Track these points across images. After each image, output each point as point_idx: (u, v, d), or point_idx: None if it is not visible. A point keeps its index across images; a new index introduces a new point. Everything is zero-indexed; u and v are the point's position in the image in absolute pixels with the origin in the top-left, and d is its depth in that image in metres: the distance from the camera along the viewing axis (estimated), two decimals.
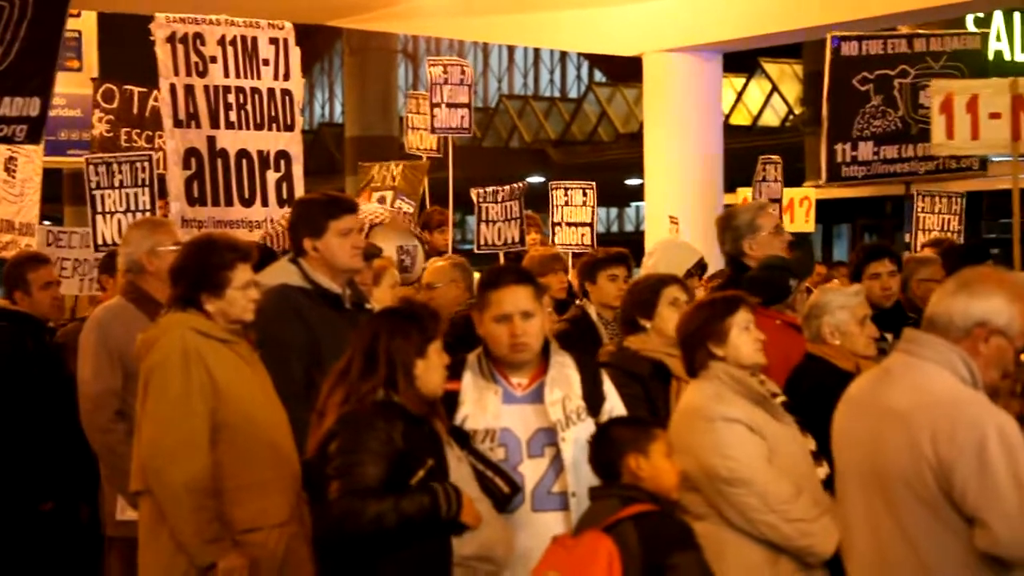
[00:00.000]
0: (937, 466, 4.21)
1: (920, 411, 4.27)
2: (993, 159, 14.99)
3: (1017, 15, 28.66)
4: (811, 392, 6.06)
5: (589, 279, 8.01)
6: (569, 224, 12.52)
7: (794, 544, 5.55)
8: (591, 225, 12.59)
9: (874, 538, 4.38)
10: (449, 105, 12.69)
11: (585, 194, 12.71)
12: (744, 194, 15.50)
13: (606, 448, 5.13)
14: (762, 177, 12.68)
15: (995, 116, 9.18)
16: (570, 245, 12.13)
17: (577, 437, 5.38)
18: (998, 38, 28.61)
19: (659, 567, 4.78)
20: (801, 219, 14.54)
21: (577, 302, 8.49)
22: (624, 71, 29.91)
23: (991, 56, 27.68)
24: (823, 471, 5.72)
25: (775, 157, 12.76)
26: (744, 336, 5.74)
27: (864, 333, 6.51)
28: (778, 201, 12.98)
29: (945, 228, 12.24)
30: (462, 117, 12.76)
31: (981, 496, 4.16)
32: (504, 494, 5.24)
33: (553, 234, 12.45)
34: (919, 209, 12.29)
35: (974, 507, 4.18)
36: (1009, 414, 4.36)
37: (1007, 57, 28.45)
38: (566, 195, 12.67)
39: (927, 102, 11.13)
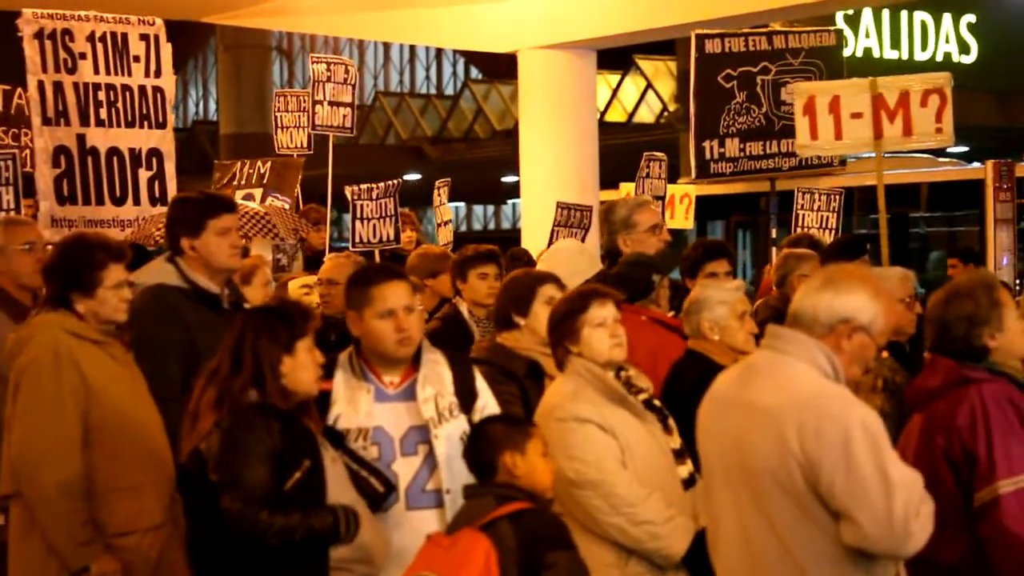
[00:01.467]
0: (804, 461, 4.24)
1: (786, 407, 4.29)
2: (852, 157, 15.23)
3: (886, 13, 29.15)
4: (691, 388, 6.08)
5: (460, 277, 8.00)
6: (448, 222, 12.55)
7: (643, 546, 5.52)
8: (450, 223, 12.64)
9: (741, 533, 4.40)
10: (331, 103, 12.63)
11: (439, 192, 12.77)
12: (628, 189, 15.59)
13: (482, 446, 5.12)
14: (646, 173, 12.77)
15: (857, 116, 9.28)
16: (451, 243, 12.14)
17: (450, 434, 5.38)
18: (867, 35, 29.10)
19: (536, 565, 4.78)
20: (681, 216, 14.63)
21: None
22: (500, 68, 30.00)
23: (860, 53, 28.20)
24: (686, 469, 5.70)
25: (659, 154, 12.86)
26: (598, 333, 5.70)
27: (743, 328, 6.49)
28: (661, 198, 13.08)
29: (823, 225, 12.40)
30: (344, 116, 12.70)
31: (847, 490, 4.20)
32: (379, 493, 5.24)
33: (439, 232, 12.47)
34: (799, 206, 12.43)
35: (840, 501, 4.22)
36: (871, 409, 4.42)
37: (876, 54, 28.94)
38: (439, 195, 12.70)
39: (788, 99, 11.27)
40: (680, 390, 6.13)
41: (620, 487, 5.51)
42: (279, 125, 13.49)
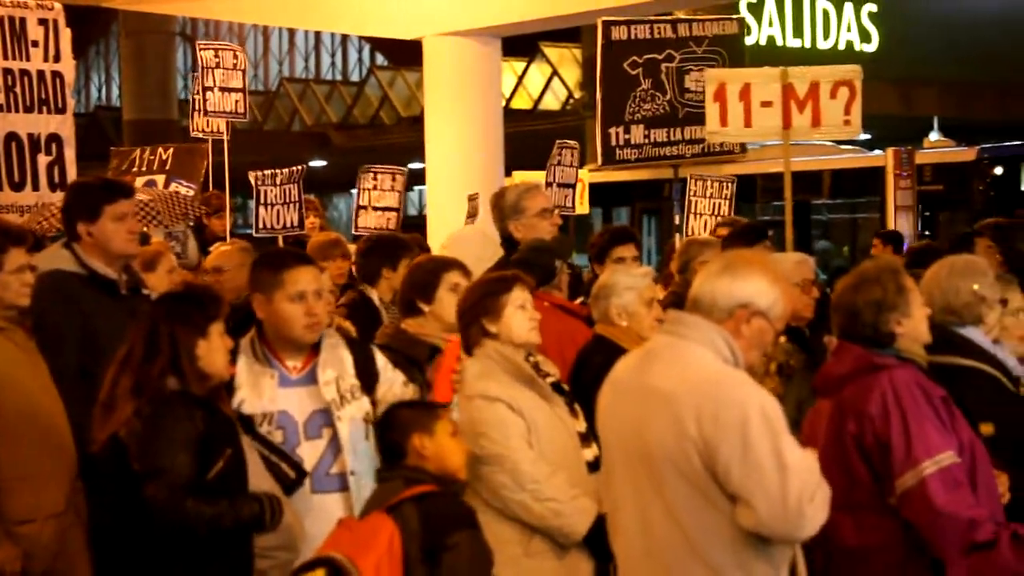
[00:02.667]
0: (702, 445, 4.27)
1: (684, 391, 4.32)
2: (757, 144, 15.36)
3: (789, 1, 29.38)
4: (597, 373, 6.09)
5: (390, 265, 7.93)
6: (376, 208, 12.50)
7: (546, 524, 5.56)
8: (398, 210, 12.61)
9: (640, 516, 4.43)
10: (222, 89, 12.57)
11: (395, 179, 12.72)
12: (520, 177, 15.62)
13: (391, 430, 5.13)
14: (557, 161, 12.80)
15: (767, 104, 9.37)
16: (373, 229, 12.10)
17: (352, 416, 5.42)
18: (770, 24, 29.32)
19: (438, 546, 4.81)
20: (577, 201, 14.70)
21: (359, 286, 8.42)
22: (405, 55, 29.89)
23: (764, 41, 28.41)
24: (591, 452, 5.73)
25: (572, 142, 12.89)
26: (519, 314, 5.76)
27: (651, 315, 6.51)
28: (572, 186, 13.12)
29: (716, 212, 12.49)
30: (236, 101, 12.66)
31: (744, 474, 4.23)
32: (290, 479, 5.24)
33: (356, 217, 12.41)
34: (692, 192, 12.52)
35: (737, 485, 4.24)
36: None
37: (779, 43, 29.16)
38: (375, 179, 12.65)
39: (693, 86, 11.37)
40: (587, 375, 6.14)
41: (525, 464, 5.55)
42: (195, 109, 13.39)
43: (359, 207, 12.41)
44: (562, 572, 5.63)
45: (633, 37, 11.64)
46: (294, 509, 5.20)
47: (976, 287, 5.68)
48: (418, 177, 19.22)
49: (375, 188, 12.56)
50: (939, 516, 4.75)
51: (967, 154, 19.33)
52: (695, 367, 4.37)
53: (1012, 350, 5.90)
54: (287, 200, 11.03)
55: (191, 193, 12.40)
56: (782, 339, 6.14)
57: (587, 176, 15.38)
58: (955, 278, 5.73)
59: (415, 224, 20.27)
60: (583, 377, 6.20)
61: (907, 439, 4.82)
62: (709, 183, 12.58)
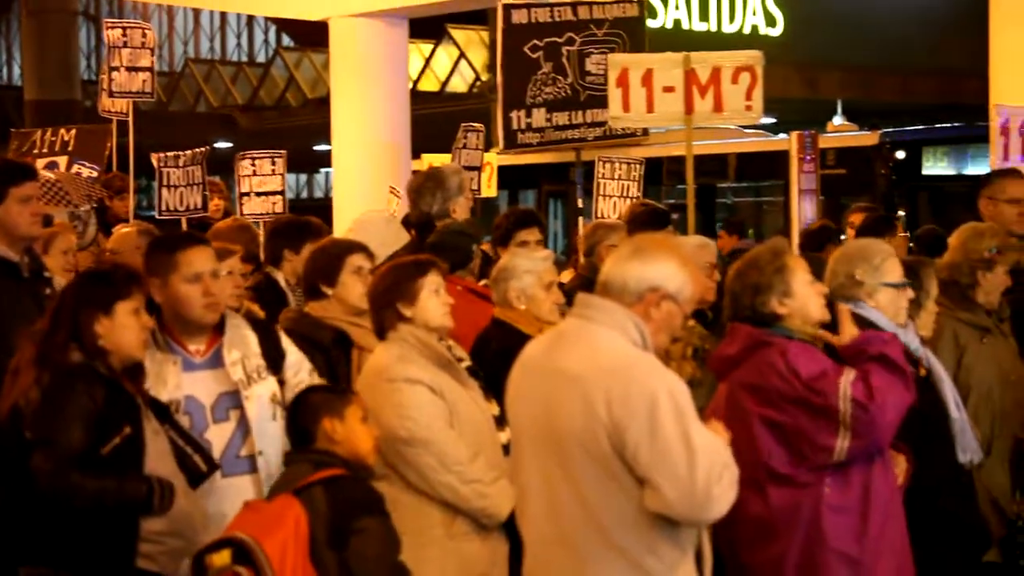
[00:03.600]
0: (611, 428, 4.29)
1: (594, 374, 4.35)
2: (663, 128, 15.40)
3: None
4: (496, 356, 6.13)
5: (292, 247, 7.88)
6: (258, 194, 12.39)
7: (470, 505, 5.60)
8: (282, 193, 12.50)
9: (549, 499, 4.45)
10: (129, 69, 12.44)
11: (274, 163, 12.60)
12: (430, 160, 15.59)
13: (302, 413, 5.13)
14: (463, 144, 12.77)
15: (669, 90, 9.41)
16: (260, 215, 12.02)
17: (260, 395, 5.42)
18: (676, 7, 29.41)
19: (345, 530, 4.81)
20: (485, 184, 14.71)
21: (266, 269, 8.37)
22: (311, 36, 29.74)
23: (670, 25, 28.51)
24: (505, 436, 5.71)
25: (477, 125, 12.87)
26: (434, 299, 5.77)
27: (550, 298, 6.52)
28: (477, 169, 13.09)
29: (624, 194, 12.52)
30: (144, 81, 12.53)
31: (652, 457, 4.26)
32: (201, 472, 5.21)
33: (241, 204, 12.32)
34: (600, 175, 12.54)
35: (645, 468, 4.28)
36: (681, 377, 4.50)
37: (685, 26, 29.27)
38: (253, 164, 12.54)
39: (594, 69, 11.36)
40: (486, 359, 6.17)
41: (449, 446, 5.58)
42: (103, 88, 13.24)
43: (241, 194, 12.31)
44: (484, 553, 5.68)
45: (533, 20, 11.59)
46: (196, 498, 5.18)
47: (857, 273, 5.75)
48: (325, 159, 19.13)
49: (255, 174, 12.45)
50: (882, 407, 4.97)
51: (869, 138, 19.52)
52: (605, 350, 4.39)
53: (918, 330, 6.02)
54: (190, 182, 10.95)
55: (94, 174, 12.29)
56: (692, 323, 6.19)
57: (495, 159, 15.37)
58: (840, 261, 5.82)
59: (322, 207, 20.19)
60: (480, 360, 6.20)
61: (817, 390, 4.97)
62: (617, 165, 12.60)
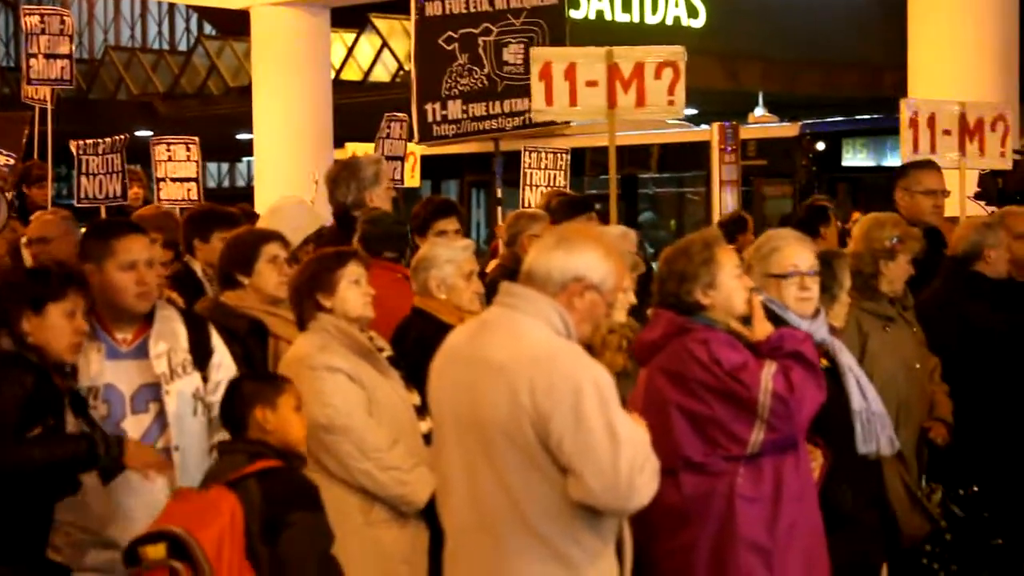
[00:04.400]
0: (535, 417, 4.30)
1: (519, 363, 4.35)
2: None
3: None
4: (415, 345, 6.13)
5: (201, 237, 7.83)
6: (174, 180, 12.31)
7: (389, 492, 5.62)
8: (197, 180, 12.43)
9: (471, 487, 4.45)
10: (47, 56, 12.32)
11: (188, 149, 12.52)
12: (353, 149, 15.54)
13: (235, 402, 5.12)
14: (386, 134, 12.74)
15: (592, 84, 9.42)
16: (176, 201, 11.95)
17: (181, 390, 5.36)
18: None
19: (277, 524, 4.80)
20: (408, 175, 14.68)
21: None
22: (233, 24, 29.57)
23: (593, 16, 28.59)
24: (426, 425, 5.73)
25: (401, 115, 12.84)
26: (353, 289, 5.77)
27: (470, 288, 6.53)
28: (401, 159, 13.05)
29: (551, 183, 12.55)
30: (62, 68, 12.41)
31: (576, 447, 4.27)
32: (109, 468, 5.15)
33: (158, 190, 12.23)
34: (527, 165, 12.55)
35: (569, 457, 4.29)
36: (611, 368, 4.51)
37: (607, 17, 29.36)
38: (169, 150, 12.47)
39: (511, 59, 11.35)
40: (405, 348, 6.17)
41: (368, 433, 5.60)
42: (26, 76, 13.10)
43: (158, 180, 12.23)
44: (403, 540, 5.69)
45: (448, 12, 11.55)
46: (104, 492, 5.14)
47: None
48: (247, 148, 19.05)
49: (170, 159, 12.38)
50: (795, 391, 5.01)
51: (790, 129, 19.66)
52: (530, 339, 4.40)
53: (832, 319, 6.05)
54: (110, 170, 10.87)
55: (10, 162, 12.17)
56: (632, 319, 6.20)
57: (418, 149, 15.35)
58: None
59: (244, 196, 20.09)
60: (400, 349, 6.19)
61: (739, 380, 4.99)
62: (544, 155, 12.63)
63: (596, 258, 4.49)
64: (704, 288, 5.16)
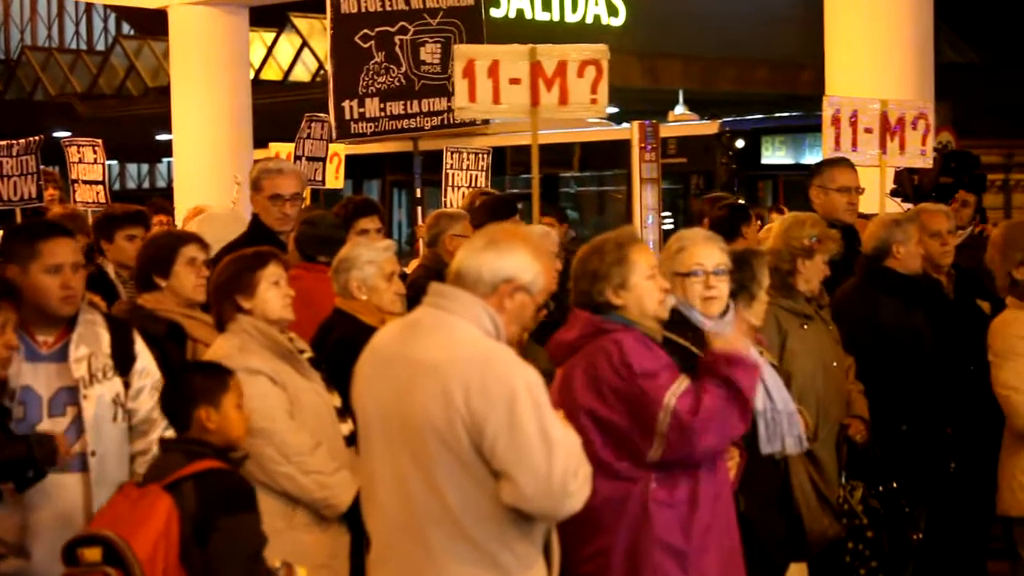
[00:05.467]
0: (468, 419, 4.28)
1: (452, 364, 4.34)
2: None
3: None
4: (336, 346, 6.10)
5: (106, 238, 7.81)
6: (85, 182, 12.22)
7: (311, 496, 5.60)
8: (103, 183, 12.34)
9: (399, 489, 4.42)
10: None
11: (95, 151, 12.43)
12: (276, 149, 15.47)
13: (178, 397, 5.07)
14: (307, 134, 12.66)
15: (515, 82, 9.40)
16: (88, 203, 11.86)
17: (100, 395, 5.32)
18: None
19: (209, 527, 4.77)
20: (332, 175, 14.62)
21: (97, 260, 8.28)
22: (151, 24, 29.36)
23: (513, 14, 28.61)
24: (347, 427, 5.75)
25: (322, 115, 12.76)
26: (273, 291, 5.73)
27: (391, 289, 6.52)
28: (322, 159, 12.98)
29: (473, 183, 12.54)
30: None
31: (510, 450, 4.26)
32: (26, 477, 5.11)
33: (73, 192, 12.14)
34: (448, 165, 12.53)
35: (503, 461, 4.28)
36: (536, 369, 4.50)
37: (528, 15, 29.39)
38: (79, 152, 12.37)
39: (428, 58, 11.33)
40: (326, 349, 6.15)
41: (290, 436, 5.58)
42: None
43: (72, 181, 12.13)
44: (324, 544, 5.67)
45: (363, 10, 11.50)
46: (19, 505, 5.11)
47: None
48: (167, 148, 18.93)
49: (81, 161, 12.29)
50: (689, 430, 4.95)
51: (709, 127, 19.77)
52: (462, 341, 4.39)
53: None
54: (24, 171, 10.78)
55: None
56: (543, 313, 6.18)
57: (342, 149, 15.29)
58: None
59: (164, 196, 19.95)
60: (321, 350, 6.18)
61: (643, 389, 4.95)
62: (465, 155, 12.62)
63: (526, 259, 4.49)
64: (615, 288, 5.13)
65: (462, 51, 9.75)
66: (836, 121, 9.80)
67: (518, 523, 4.35)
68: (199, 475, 4.86)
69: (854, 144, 9.77)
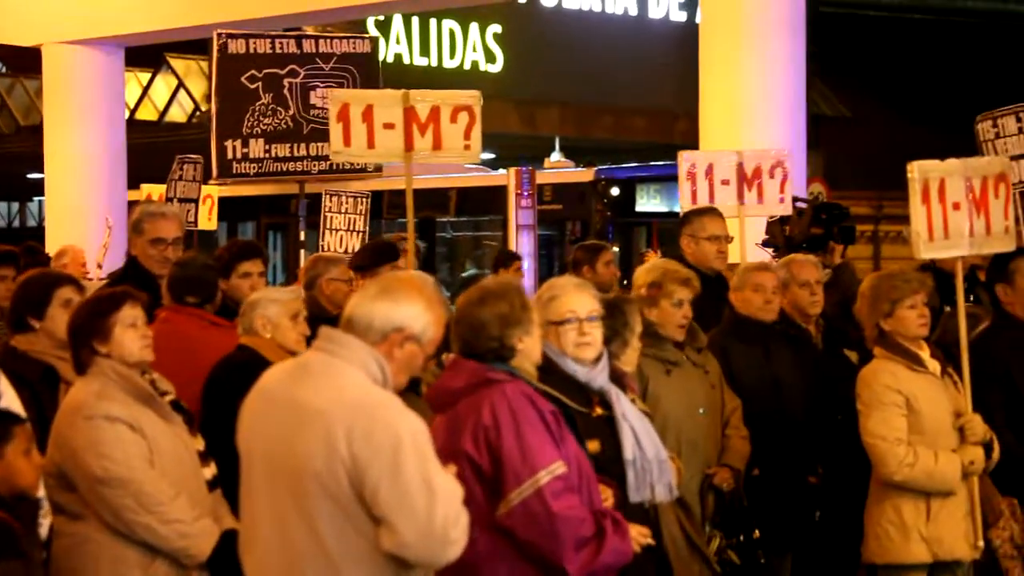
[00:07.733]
0: (351, 465, 4.27)
1: (337, 409, 4.32)
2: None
3: (415, 20, 29.73)
4: (236, 384, 5.99)
5: None
6: None
7: (171, 545, 5.50)
8: None
9: (279, 533, 4.40)
10: None
11: None
12: (148, 190, 15.37)
13: None
14: (179, 176, 12.56)
15: (389, 126, 9.42)
16: None
17: None
18: (398, 41, 29.59)
19: None
20: (204, 217, 14.54)
21: None
22: (24, 62, 29.04)
23: (391, 59, 28.64)
24: (209, 471, 5.71)
25: (195, 156, 12.67)
26: (129, 333, 5.64)
27: (296, 328, 6.60)
28: (194, 201, 12.90)
29: (351, 227, 12.54)
30: None
31: (392, 497, 4.26)
32: None
33: None
34: (327, 208, 12.52)
35: (384, 508, 4.27)
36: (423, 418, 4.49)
37: (407, 60, 29.47)
38: None
39: (319, 103, 11.34)
40: (225, 386, 6.13)
41: (149, 485, 5.47)
42: None
43: None
44: None
45: (252, 51, 11.50)
46: None
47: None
48: (38, 187, 18.71)
49: None
50: (554, 519, 4.85)
51: (585, 175, 19.95)
52: (349, 387, 4.38)
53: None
54: None
55: None
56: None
57: (215, 191, 15.21)
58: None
59: (35, 235, 19.70)
60: (219, 387, 6.19)
61: (522, 451, 4.91)
62: (344, 199, 12.61)
63: (418, 310, 4.50)
64: (521, 334, 5.08)
65: (336, 95, 9.77)
66: (692, 176, 9.96)
67: (397, 570, 4.35)
68: None
69: (711, 197, 9.91)
